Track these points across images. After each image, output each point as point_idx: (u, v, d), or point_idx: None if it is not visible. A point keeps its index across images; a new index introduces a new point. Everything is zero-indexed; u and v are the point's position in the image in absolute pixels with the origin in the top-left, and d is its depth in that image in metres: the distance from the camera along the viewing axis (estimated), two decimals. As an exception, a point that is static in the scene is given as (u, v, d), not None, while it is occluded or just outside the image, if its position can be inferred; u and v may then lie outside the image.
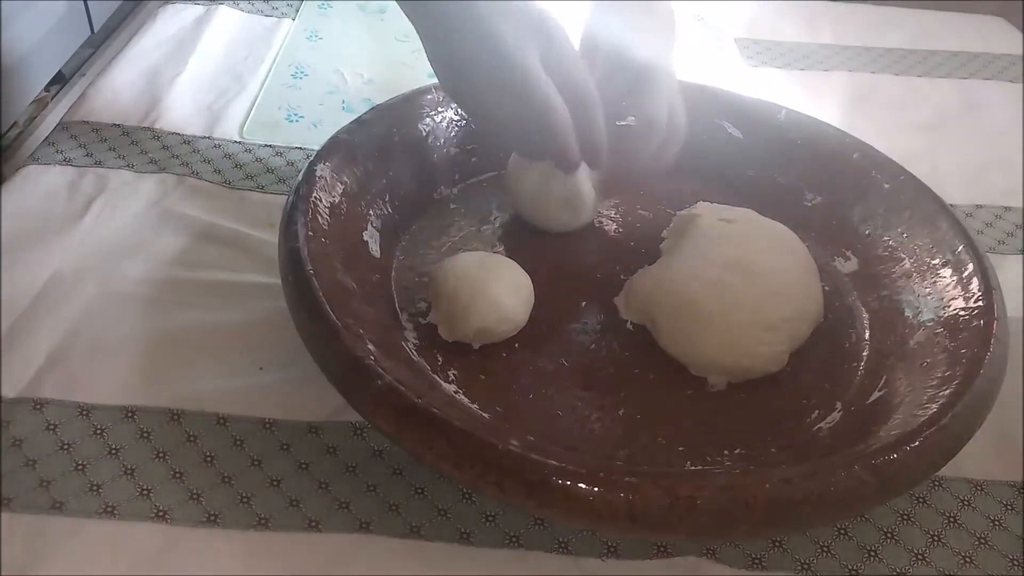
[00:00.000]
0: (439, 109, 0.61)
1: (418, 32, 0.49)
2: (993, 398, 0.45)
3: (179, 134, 0.67)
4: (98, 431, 0.46)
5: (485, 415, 0.46)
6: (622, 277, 0.55)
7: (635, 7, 0.57)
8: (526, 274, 0.51)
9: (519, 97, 0.47)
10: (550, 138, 0.48)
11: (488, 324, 0.48)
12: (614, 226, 0.60)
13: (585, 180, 0.56)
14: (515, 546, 0.43)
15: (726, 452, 0.46)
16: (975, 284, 0.50)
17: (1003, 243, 0.65)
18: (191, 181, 0.62)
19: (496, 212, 0.60)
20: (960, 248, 0.52)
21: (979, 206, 0.68)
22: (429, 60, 0.49)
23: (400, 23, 0.56)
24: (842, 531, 0.45)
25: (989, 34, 0.92)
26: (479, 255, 0.51)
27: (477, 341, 0.49)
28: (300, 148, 0.67)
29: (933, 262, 0.53)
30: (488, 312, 0.48)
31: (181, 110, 0.69)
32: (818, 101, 0.77)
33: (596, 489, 0.37)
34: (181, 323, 0.52)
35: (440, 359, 0.49)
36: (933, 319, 0.50)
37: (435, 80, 0.60)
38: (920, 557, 0.44)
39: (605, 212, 0.61)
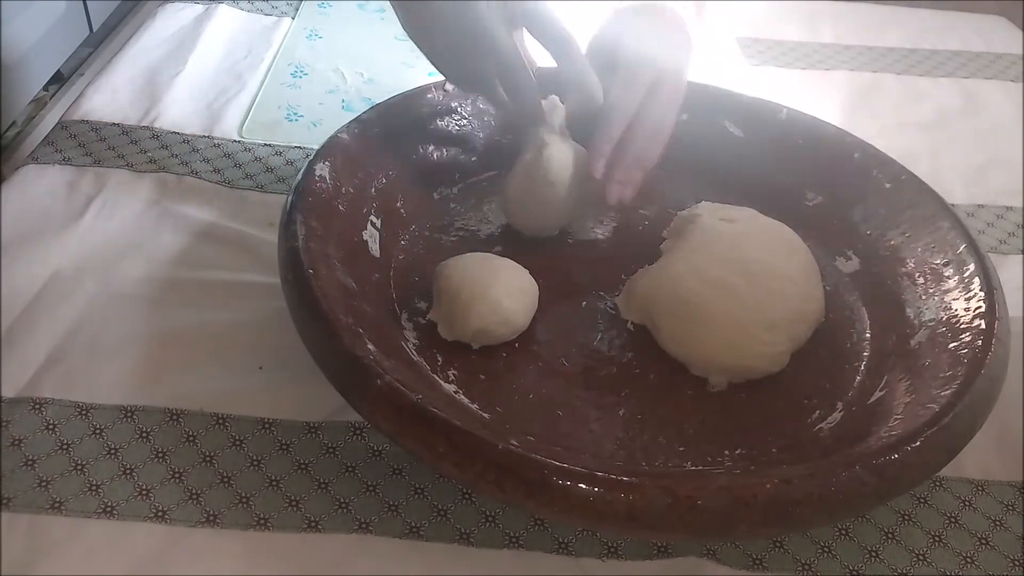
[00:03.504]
0: (439, 108, 0.61)
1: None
2: (994, 398, 0.44)
3: (178, 133, 0.67)
4: (97, 431, 0.46)
5: (485, 415, 0.46)
6: (622, 277, 0.55)
7: (648, 17, 0.58)
8: (532, 280, 0.51)
9: (485, 54, 0.51)
10: (513, 90, 0.52)
11: (487, 326, 0.48)
12: (614, 226, 0.60)
13: (565, 185, 0.55)
14: (515, 546, 0.43)
15: (727, 452, 0.46)
16: (976, 284, 0.50)
17: (1004, 243, 0.65)
18: (190, 180, 0.62)
19: (496, 212, 0.59)
20: (961, 248, 0.52)
21: (980, 206, 0.68)
22: (401, 23, 0.53)
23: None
24: (843, 531, 0.45)
25: (991, 33, 0.92)
26: (487, 256, 0.51)
27: (476, 342, 0.49)
28: (299, 147, 0.67)
29: (934, 262, 0.53)
30: (488, 314, 0.48)
31: (180, 109, 0.69)
32: (819, 100, 0.77)
33: (596, 489, 0.37)
34: (180, 323, 0.52)
35: (440, 359, 0.49)
36: (934, 319, 0.50)
37: (435, 79, 0.60)
38: (921, 557, 0.44)
39: (606, 212, 0.61)
